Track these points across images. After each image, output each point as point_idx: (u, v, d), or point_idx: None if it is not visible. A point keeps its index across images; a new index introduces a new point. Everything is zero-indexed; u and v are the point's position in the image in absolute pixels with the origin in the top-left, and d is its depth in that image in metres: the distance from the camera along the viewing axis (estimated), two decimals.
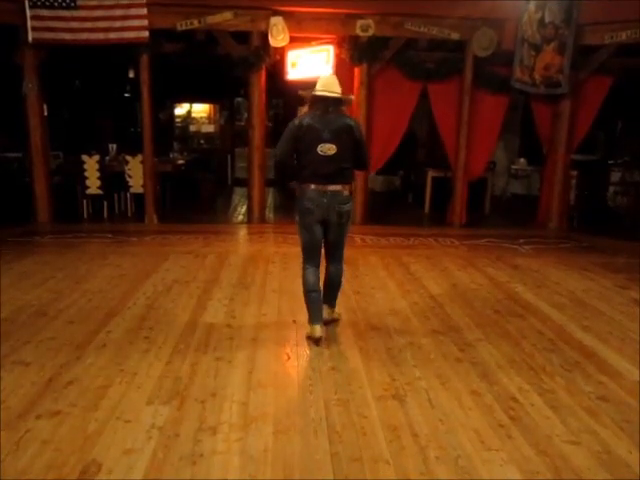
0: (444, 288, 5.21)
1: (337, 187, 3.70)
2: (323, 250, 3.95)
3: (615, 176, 9.00)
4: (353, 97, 4.14)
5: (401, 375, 3.38)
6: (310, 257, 3.88)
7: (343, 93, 3.80)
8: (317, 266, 3.90)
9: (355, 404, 3.02)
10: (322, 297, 3.96)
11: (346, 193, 3.75)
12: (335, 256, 3.97)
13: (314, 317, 3.83)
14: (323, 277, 4.00)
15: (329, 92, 3.66)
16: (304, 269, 3.90)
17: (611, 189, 9.03)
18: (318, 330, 3.79)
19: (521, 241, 7.33)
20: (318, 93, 3.68)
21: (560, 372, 3.49)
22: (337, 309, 4.22)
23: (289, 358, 3.63)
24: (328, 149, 3.62)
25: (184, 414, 2.87)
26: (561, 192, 8.19)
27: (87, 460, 2.47)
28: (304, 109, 3.90)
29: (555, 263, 6.26)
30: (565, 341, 4.00)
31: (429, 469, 2.47)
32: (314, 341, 3.79)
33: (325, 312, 4.04)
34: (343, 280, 4.10)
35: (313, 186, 3.70)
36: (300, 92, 3.88)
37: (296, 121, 3.74)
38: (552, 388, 3.27)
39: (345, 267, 4.12)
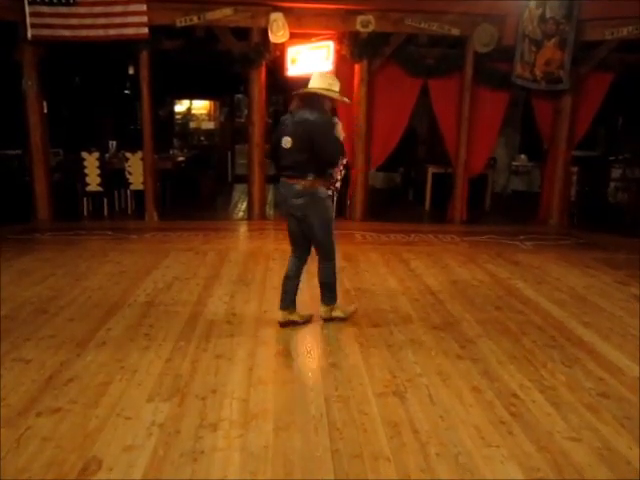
0: (444, 285, 5.20)
1: (292, 180, 3.77)
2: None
3: (616, 172, 8.97)
4: (333, 94, 3.78)
5: (402, 372, 3.37)
6: (291, 247, 4.09)
7: (341, 90, 3.85)
8: (297, 257, 4.04)
9: (356, 401, 3.01)
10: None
11: (298, 187, 3.73)
12: (318, 253, 4.00)
13: (281, 301, 4.03)
14: None
15: (308, 89, 3.75)
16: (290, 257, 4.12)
17: (612, 185, 9.00)
18: (279, 315, 4.02)
19: (522, 237, 7.32)
20: (294, 92, 3.83)
21: (561, 368, 3.48)
22: (339, 302, 4.18)
23: (289, 355, 3.63)
24: (286, 142, 3.72)
25: (184, 411, 2.87)
26: (562, 188, 8.18)
27: (88, 457, 2.47)
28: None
29: (556, 259, 6.26)
30: (566, 337, 4.00)
31: (430, 466, 2.46)
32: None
33: (321, 309, 4.12)
34: (330, 281, 4.04)
35: (281, 178, 3.88)
36: (294, 93, 3.91)
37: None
38: (553, 384, 3.26)
39: (345, 264, 4.14)
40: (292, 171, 3.77)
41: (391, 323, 4.18)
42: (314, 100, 3.77)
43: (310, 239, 3.94)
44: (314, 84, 3.77)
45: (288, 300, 4.02)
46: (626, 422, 2.86)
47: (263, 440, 2.62)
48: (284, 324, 4.01)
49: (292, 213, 3.86)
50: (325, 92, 3.75)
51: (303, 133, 3.68)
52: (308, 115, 3.71)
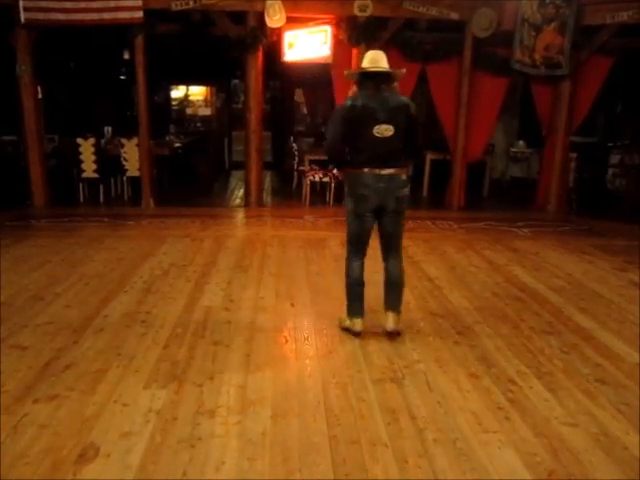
0: (442, 271, 5.19)
1: (395, 170, 3.43)
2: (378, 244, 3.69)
3: (614, 158, 8.96)
4: (404, 70, 3.68)
5: (399, 358, 3.37)
6: (358, 248, 3.63)
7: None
8: (364, 258, 3.66)
9: (353, 387, 3.02)
10: (384, 299, 3.69)
11: (404, 177, 3.48)
12: (393, 250, 3.63)
13: (356, 310, 3.64)
14: (383, 278, 3.69)
15: (378, 68, 3.40)
16: (350, 260, 3.66)
17: (610, 171, 8.99)
18: (359, 325, 3.63)
19: (520, 224, 7.31)
20: (368, 69, 3.41)
21: (558, 355, 3.49)
22: None
23: (287, 341, 3.62)
24: (385, 130, 3.36)
25: (182, 398, 2.87)
26: (560, 175, 8.16)
27: (85, 443, 2.47)
28: (352, 90, 3.66)
29: (554, 246, 6.25)
30: (563, 324, 4.00)
31: (427, 451, 2.47)
32: (353, 334, 3.64)
33: (391, 321, 3.63)
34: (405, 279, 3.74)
35: (368, 170, 3.42)
36: (346, 73, 3.66)
37: (348, 102, 3.45)
38: (550, 370, 3.27)
39: (343, 251, 4.07)
40: (395, 161, 3.43)
41: None
42: (390, 80, 3.46)
43: (388, 234, 3.58)
44: (383, 63, 3.40)
45: (362, 303, 3.66)
46: (623, 408, 2.87)
47: (261, 427, 2.62)
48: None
49: (386, 206, 3.45)
50: (398, 71, 3.53)
51: (405, 119, 3.39)
52: (401, 98, 3.43)
